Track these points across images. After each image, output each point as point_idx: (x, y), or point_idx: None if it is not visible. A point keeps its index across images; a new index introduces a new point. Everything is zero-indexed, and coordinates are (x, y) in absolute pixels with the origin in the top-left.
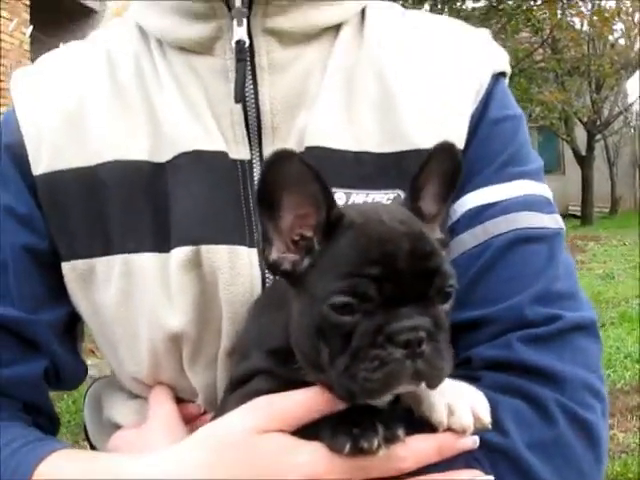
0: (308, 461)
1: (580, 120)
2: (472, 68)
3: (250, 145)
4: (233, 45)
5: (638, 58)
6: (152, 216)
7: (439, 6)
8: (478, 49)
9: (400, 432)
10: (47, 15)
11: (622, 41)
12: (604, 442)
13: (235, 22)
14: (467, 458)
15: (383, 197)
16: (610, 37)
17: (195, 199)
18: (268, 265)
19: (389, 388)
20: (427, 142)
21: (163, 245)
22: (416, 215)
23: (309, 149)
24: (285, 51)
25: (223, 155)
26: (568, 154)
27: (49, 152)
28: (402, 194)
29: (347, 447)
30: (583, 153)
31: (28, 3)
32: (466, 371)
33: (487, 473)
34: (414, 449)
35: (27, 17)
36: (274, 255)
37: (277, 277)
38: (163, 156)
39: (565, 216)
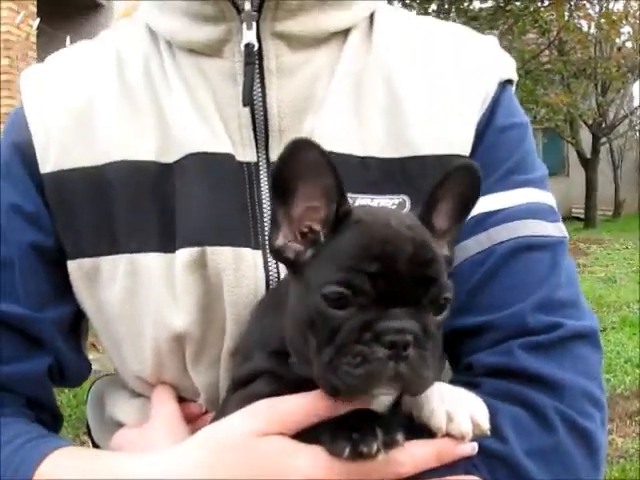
0: (307, 464)
1: (585, 123)
2: (479, 75)
3: (257, 148)
4: (242, 48)
5: None
6: (158, 216)
7: (446, 6)
8: (485, 56)
9: (399, 437)
10: (54, 8)
11: (629, 44)
12: (602, 450)
13: (244, 25)
14: (466, 464)
15: (388, 202)
16: (617, 40)
17: (201, 200)
18: (271, 250)
19: (368, 386)
20: (433, 148)
21: (168, 245)
22: (426, 226)
23: None
24: (294, 55)
25: (230, 157)
26: (573, 157)
27: (57, 151)
28: (407, 199)
29: (347, 451)
30: (588, 156)
31: None
32: (466, 377)
33: (485, 479)
34: (413, 454)
35: (34, 10)
36: (280, 241)
37: (278, 261)
38: (170, 157)
39: (569, 219)
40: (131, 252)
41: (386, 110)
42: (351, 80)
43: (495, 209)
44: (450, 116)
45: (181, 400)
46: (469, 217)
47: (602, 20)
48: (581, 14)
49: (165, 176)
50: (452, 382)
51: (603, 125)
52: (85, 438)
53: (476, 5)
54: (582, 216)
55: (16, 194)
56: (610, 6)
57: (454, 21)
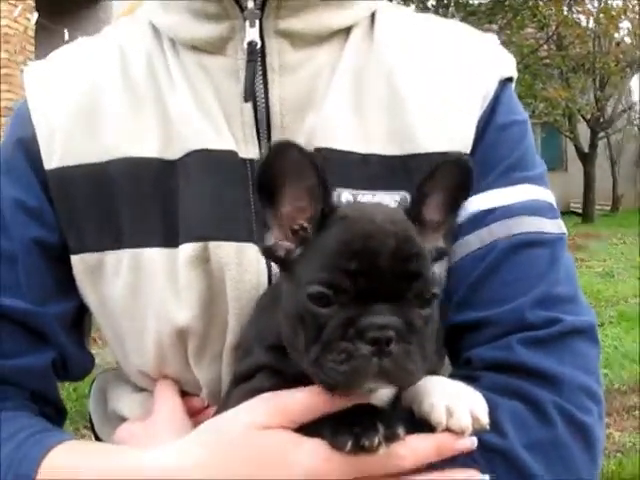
0: (309, 457)
1: (584, 117)
2: (480, 73)
3: (259, 145)
4: (245, 46)
5: None
6: (161, 212)
7: (445, 1)
8: (486, 53)
9: (400, 431)
10: (53, 1)
11: (628, 39)
12: (600, 444)
13: (247, 23)
14: (465, 458)
15: (390, 198)
16: (616, 35)
17: (204, 196)
18: (262, 250)
19: (354, 382)
20: (434, 145)
21: (171, 241)
22: (415, 220)
23: (317, 150)
24: (296, 53)
25: (232, 154)
26: (571, 151)
27: (61, 147)
28: (408, 196)
29: (349, 445)
30: (586, 150)
31: None
32: (466, 371)
33: (484, 473)
34: (413, 448)
35: (32, 3)
36: (270, 241)
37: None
38: (173, 154)
39: (566, 213)
40: (134, 247)
41: (387, 107)
42: (352, 77)
43: (495, 206)
44: (451, 113)
45: (183, 394)
46: (470, 214)
47: (601, 15)
48: (580, 9)
49: (168, 172)
50: (452, 376)
51: (601, 120)
52: (85, 432)
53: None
54: (580, 211)
55: (19, 189)
56: (609, 1)
57: (453, 16)
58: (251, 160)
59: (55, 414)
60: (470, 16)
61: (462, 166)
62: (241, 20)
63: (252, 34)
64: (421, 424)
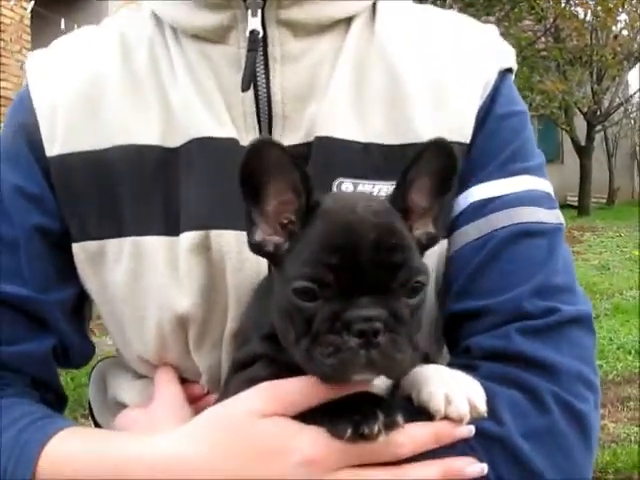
0: (308, 445)
1: (580, 110)
2: (480, 63)
3: (260, 133)
4: (247, 35)
5: None
6: (162, 200)
7: None
8: (486, 44)
9: (399, 418)
10: None
11: (625, 32)
12: (595, 432)
13: (249, 12)
14: (463, 446)
15: (390, 188)
16: (613, 28)
17: (205, 185)
18: (251, 246)
19: (343, 374)
20: (434, 135)
21: (173, 229)
22: (400, 208)
23: (319, 139)
24: (298, 42)
25: (234, 142)
26: (567, 144)
27: (63, 134)
28: None
29: (348, 432)
30: (582, 143)
31: None
32: (464, 360)
33: (481, 461)
34: (412, 436)
35: None
36: (258, 237)
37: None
38: (175, 141)
39: (563, 206)
40: (136, 235)
41: (388, 97)
42: (353, 67)
43: (494, 196)
44: (451, 103)
45: (183, 381)
46: (469, 203)
47: (598, 8)
48: (578, 1)
49: (169, 160)
50: (450, 365)
51: (598, 113)
52: (83, 420)
53: None
54: (576, 204)
55: (21, 176)
56: None
57: (450, 7)
58: None
59: (56, 401)
60: (468, 7)
61: (445, 150)
62: (243, 9)
63: (254, 23)
64: (419, 412)
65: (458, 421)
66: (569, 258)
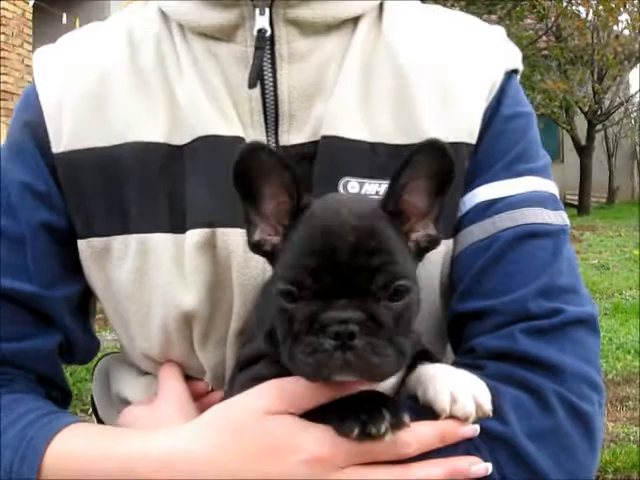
0: (315, 443)
1: (581, 109)
2: (486, 64)
3: (267, 132)
4: (254, 33)
5: None
6: (168, 197)
7: None
8: (493, 45)
9: (406, 418)
10: None
11: (627, 32)
12: (599, 432)
13: (257, 11)
14: (467, 445)
15: None
16: (615, 27)
17: (211, 182)
18: (249, 245)
19: (321, 375)
20: (440, 135)
21: (178, 226)
22: (393, 211)
23: (325, 138)
24: (305, 41)
25: (240, 140)
26: (568, 143)
27: (69, 131)
28: None
29: (356, 431)
30: (583, 143)
31: None
32: (469, 360)
33: (486, 460)
34: (418, 435)
35: None
36: (256, 237)
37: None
38: (181, 139)
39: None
40: (141, 232)
41: (394, 97)
42: (360, 67)
43: (500, 196)
44: (457, 104)
45: (187, 378)
46: (474, 204)
47: (600, 7)
48: (579, 0)
49: (176, 158)
50: (455, 364)
51: (599, 112)
52: (82, 415)
53: None
54: (576, 203)
55: (27, 173)
56: None
57: (452, 6)
58: None
59: (61, 397)
60: (470, 6)
61: (440, 151)
62: (251, 8)
63: (262, 22)
64: (423, 411)
65: (463, 420)
66: (573, 259)
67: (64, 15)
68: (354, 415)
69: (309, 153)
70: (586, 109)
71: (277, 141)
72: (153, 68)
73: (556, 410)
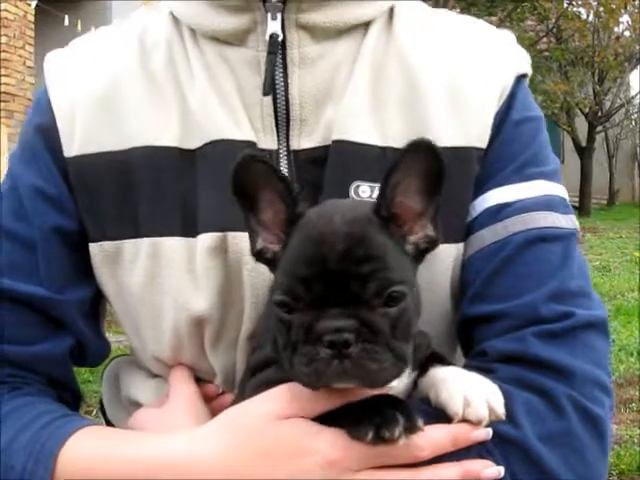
0: (327, 446)
1: (582, 111)
2: (496, 69)
3: (278, 136)
4: (266, 38)
5: None
6: (180, 201)
7: None
8: (502, 50)
9: (420, 422)
10: None
11: (627, 33)
12: (609, 435)
13: (269, 16)
14: (479, 449)
15: None
16: (615, 29)
17: (223, 187)
18: (253, 254)
19: (320, 383)
20: (451, 140)
21: (190, 230)
22: (387, 215)
23: (336, 143)
24: (316, 46)
25: (251, 145)
26: (568, 145)
27: (81, 135)
28: None
29: (370, 435)
30: (583, 144)
31: None
32: (481, 363)
33: (498, 464)
34: (431, 439)
35: None
36: (259, 244)
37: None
38: (193, 143)
39: None
40: (153, 236)
41: (405, 102)
42: (371, 71)
43: (510, 200)
44: (468, 108)
45: (197, 380)
46: (485, 208)
47: (601, 8)
48: (580, 2)
49: (187, 162)
50: (466, 368)
51: (599, 114)
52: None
53: None
54: (577, 204)
55: (39, 177)
56: None
57: (453, 7)
58: (269, 151)
59: (73, 400)
60: (471, 7)
61: (427, 150)
62: (263, 12)
63: (274, 27)
64: (435, 414)
65: (476, 423)
66: (583, 262)
67: (66, 17)
68: (368, 419)
69: (320, 157)
70: (587, 111)
71: (288, 145)
72: (164, 72)
73: (568, 413)
